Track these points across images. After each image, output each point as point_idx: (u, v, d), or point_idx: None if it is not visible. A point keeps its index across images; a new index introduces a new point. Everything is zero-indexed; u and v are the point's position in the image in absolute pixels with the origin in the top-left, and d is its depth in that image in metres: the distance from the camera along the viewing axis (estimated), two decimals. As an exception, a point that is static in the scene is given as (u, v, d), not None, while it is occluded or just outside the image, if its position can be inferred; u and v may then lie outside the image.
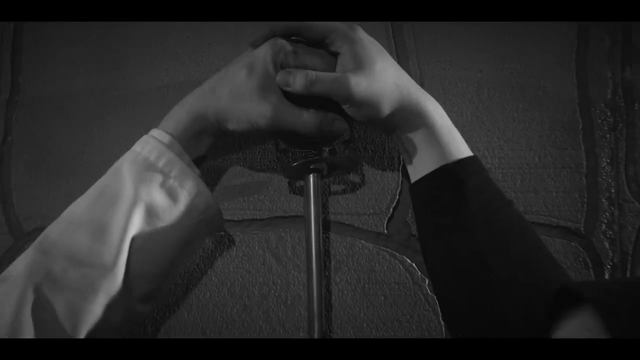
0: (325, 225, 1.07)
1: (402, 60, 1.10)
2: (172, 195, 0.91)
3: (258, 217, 1.09)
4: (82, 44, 1.16)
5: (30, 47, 1.16)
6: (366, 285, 1.06)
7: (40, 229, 1.08)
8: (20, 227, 1.12)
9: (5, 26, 1.17)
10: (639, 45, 1.11)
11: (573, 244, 1.07)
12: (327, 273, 1.07)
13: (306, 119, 0.92)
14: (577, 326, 0.72)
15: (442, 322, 1.06)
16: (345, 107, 0.93)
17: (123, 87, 1.13)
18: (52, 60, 1.15)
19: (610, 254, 1.07)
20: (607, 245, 1.07)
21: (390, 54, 1.03)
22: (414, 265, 1.07)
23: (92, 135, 1.12)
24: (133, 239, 0.89)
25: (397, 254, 1.07)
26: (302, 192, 1.07)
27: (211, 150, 0.98)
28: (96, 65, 1.14)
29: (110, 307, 0.88)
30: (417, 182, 0.99)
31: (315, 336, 0.99)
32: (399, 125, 0.97)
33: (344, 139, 1.06)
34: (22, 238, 1.11)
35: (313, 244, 1.00)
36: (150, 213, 0.90)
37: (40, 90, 1.14)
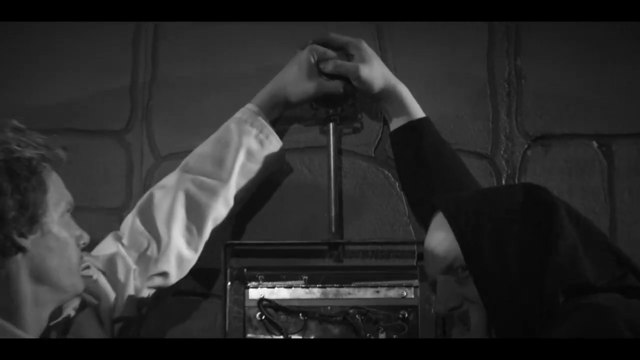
0: (339, 151, 1.83)
1: (384, 60, 1.83)
2: (261, 143, 1.71)
3: (299, 147, 1.86)
4: (191, 43, 1.92)
5: (162, 47, 1.93)
6: (362, 185, 1.85)
7: (173, 153, 1.85)
8: (159, 152, 1.88)
9: (148, 33, 1.92)
10: (525, 46, 1.87)
11: (484, 162, 1.84)
12: (340, 178, 1.83)
13: (335, 84, 1.72)
14: (435, 222, 1.47)
15: (405, 208, 1.83)
16: (354, 82, 1.71)
17: (219, 75, 1.90)
18: (175, 55, 1.92)
19: (506, 168, 1.84)
20: (504, 163, 1.84)
21: (379, 56, 1.79)
22: (389, 174, 1.84)
23: (202, 101, 1.89)
24: (239, 167, 1.67)
25: (380, 168, 1.85)
26: (326, 132, 1.83)
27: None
28: (203, 57, 1.91)
29: (224, 205, 1.68)
30: (394, 131, 1.79)
31: (332, 215, 1.77)
32: (383, 98, 1.76)
33: (351, 103, 1.82)
34: (159, 159, 1.88)
35: (332, 162, 1.80)
36: (249, 153, 1.70)
37: (169, 73, 1.91)
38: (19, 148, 1.33)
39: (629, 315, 1.25)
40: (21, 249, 1.33)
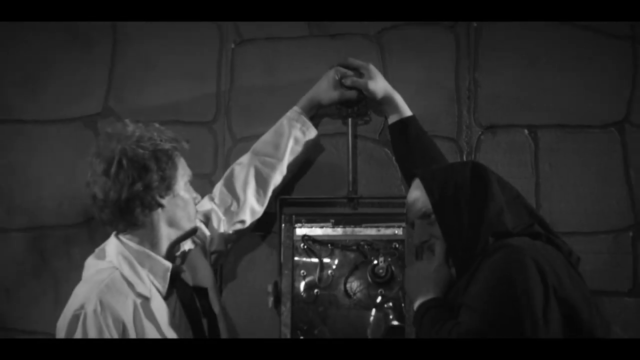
0: (355, 136, 2.73)
1: (385, 76, 2.68)
2: (304, 133, 2.60)
3: (329, 134, 2.77)
4: (259, 61, 2.82)
5: (238, 64, 2.83)
6: (370, 159, 2.76)
7: (244, 137, 2.75)
8: (235, 137, 2.80)
9: (228, 54, 2.82)
10: (481, 64, 2.75)
11: (451, 144, 2.73)
12: (355, 154, 2.73)
13: (352, 93, 2.60)
14: (414, 184, 2.30)
15: (399, 174, 2.72)
16: (364, 92, 2.60)
17: (277, 84, 2.80)
18: (247, 69, 2.82)
19: (466, 148, 2.73)
20: (465, 144, 2.74)
21: (382, 73, 2.66)
22: (388, 151, 2.74)
23: (264, 102, 2.79)
24: (290, 149, 2.57)
25: (382, 147, 2.76)
26: (346, 124, 2.72)
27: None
28: (266, 71, 2.82)
29: (280, 175, 2.58)
30: (390, 125, 2.66)
31: (350, 178, 2.69)
32: (384, 102, 2.64)
33: (363, 105, 2.70)
34: (235, 141, 2.79)
35: (350, 143, 2.71)
36: (296, 140, 2.59)
37: (242, 82, 2.82)
38: (160, 142, 2.15)
39: (532, 251, 2.08)
40: (161, 205, 2.16)
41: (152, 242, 2.19)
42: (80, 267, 2.25)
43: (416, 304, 2.22)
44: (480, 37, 2.78)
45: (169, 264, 2.19)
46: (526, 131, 2.77)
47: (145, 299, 2.14)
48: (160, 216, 2.18)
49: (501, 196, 2.24)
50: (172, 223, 2.21)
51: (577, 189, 2.75)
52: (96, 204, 2.14)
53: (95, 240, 2.56)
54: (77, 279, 2.24)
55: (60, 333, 2.10)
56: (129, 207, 2.11)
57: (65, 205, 2.86)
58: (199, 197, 2.35)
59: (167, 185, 2.16)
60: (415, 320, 2.22)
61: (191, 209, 2.27)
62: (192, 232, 2.31)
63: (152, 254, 2.18)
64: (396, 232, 2.68)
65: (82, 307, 2.06)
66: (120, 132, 2.17)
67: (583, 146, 2.75)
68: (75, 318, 2.06)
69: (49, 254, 2.88)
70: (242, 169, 2.59)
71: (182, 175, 2.23)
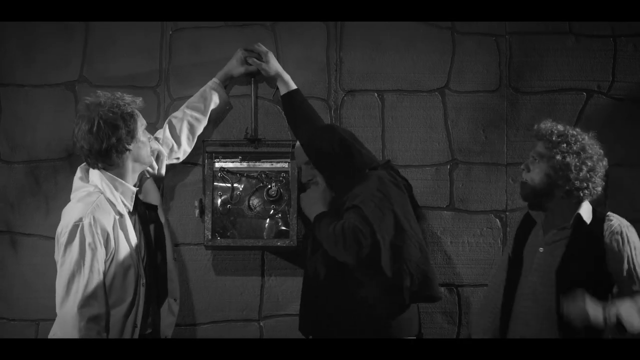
0: (256, 97, 3.86)
1: (278, 58, 3.78)
2: (219, 97, 3.68)
3: (237, 95, 3.88)
4: (191, 43, 3.93)
5: (175, 44, 3.93)
6: (267, 112, 3.88)
7: (179, 97, 3.85)
8: (172, 97, 3.89)
9: (167, 41, 3.94)
10: (345, 46, 3.88)
11: (323, 103, 3.87)
12: (257, 108, 3.86)
13: (253, 68, 3.72)
14: (297, 146, 3.50)
15: (287, 124, 3.84)
16: (261, 71, 3.72)
17: (206, 61, 3.87)
18: (183, 50, 3.93)
19: (334, 106, 3.88)
20: (332, 103, 3.88)
21: (276, 57, 3.77)
22: (279, 108, 3.85)
23: (193, 74, 3.90)
24: (210, 108, 3.68)
25: (275, 105, 3.88)
26: (251, 89, 3.83)
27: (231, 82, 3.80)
28: (195, 52, 3.91)
29: (204, 125, 3.70)
30: (282, 96, 3.75)
31: (253, 126, 3.83)
32: (278, 79, 3.74)
33: (261, 78, 3.81)
34: (172, 100, 3.88)
35: (253, 101, 3.85)
36: (214, 101, 3.66)
37: (178, 61, 3.92)
38: (124, 106, 3.07)
39: (384, 176, 3.28)
40: (128, 150, 3.08)
41: (122, 174, 3.13)
42: (63, 190, 3.38)
43: (312, 217, 3.34)
44: (343, 29, 3.87)
45: (134, 188, 3.17)
46: (375, 94, 3.90)
47: (121, 216, 3.09)
48: (128, 156, 3.12)
49: (357, 146, 3.36)
50: (136, 159, 3.17)
51: (410, 135, 3.92)
52: (83, 152, 3.05)
53: (74, 169, 3.34)
54: (62, 197, 3.39)
55: (62, 238, 2.99)
56: (107, 154, 3.06)
57: (53, 144, 3.85)
58: (152, 137, 3.37)
59: (132, 135, 3.09)
60: (314, 227, 3.31)
61: (148, 149, 3.25)
62: (149, 164, 3.34)
63: (123, 181, 3.12)
64: (284, 165, 3.74)
65: (80, 219, 2.97)
66: (95, 101, 3.06)
67: (415, 105, 3.87)
68: (75, 227, 2.96)
69: (41, 179, 3.85)
70: (178, 121, 3.61)
71: (141, 126, 3.15)
